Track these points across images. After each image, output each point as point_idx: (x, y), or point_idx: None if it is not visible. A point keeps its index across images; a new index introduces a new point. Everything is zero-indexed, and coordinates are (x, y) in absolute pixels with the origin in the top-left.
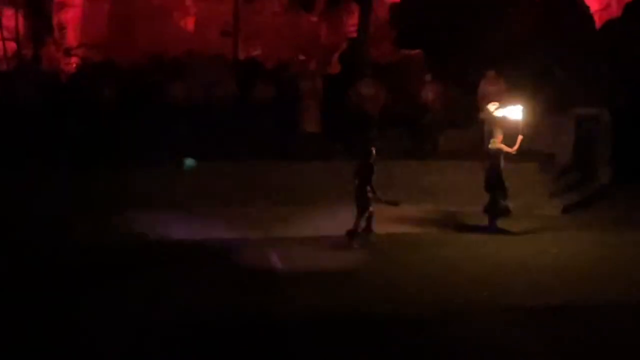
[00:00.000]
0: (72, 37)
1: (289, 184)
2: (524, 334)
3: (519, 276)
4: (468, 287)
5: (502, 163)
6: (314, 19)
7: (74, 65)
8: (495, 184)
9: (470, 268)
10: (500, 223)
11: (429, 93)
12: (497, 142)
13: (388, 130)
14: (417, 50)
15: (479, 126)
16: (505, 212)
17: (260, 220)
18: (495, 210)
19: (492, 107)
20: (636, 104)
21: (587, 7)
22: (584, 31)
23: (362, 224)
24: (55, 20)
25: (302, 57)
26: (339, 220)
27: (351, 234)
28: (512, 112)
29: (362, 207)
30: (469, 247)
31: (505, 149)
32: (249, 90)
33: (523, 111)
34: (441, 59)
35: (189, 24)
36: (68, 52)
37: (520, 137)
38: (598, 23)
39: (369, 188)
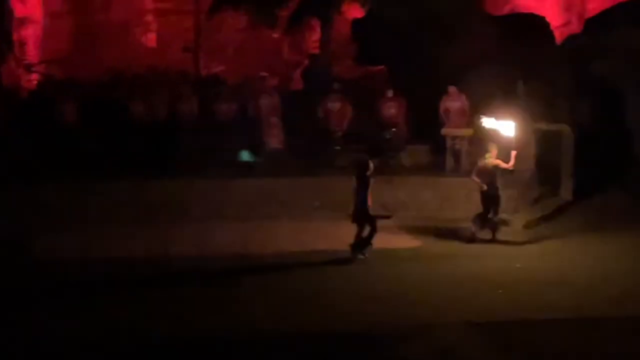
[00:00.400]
0: (32, 53)
1: (256, 200)
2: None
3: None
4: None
5: (499, 179)
6: (276, 35)
7: (35, 81)
8: (492, 199)
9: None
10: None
11: (391, 109)
12: (492, 158)
13: (352, 145)
14: (380, 66)
15: (441, 141)
16: (504, 224)
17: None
18: (482, 222)
19: (483, 120)
20: (596, 120)
21: (548, 24)
22: (545, 47)
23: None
24: (15, 36)
25: (264, 74)
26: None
27: (355, 246)
28: (504, 128)
29: (369, 221)
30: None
31: (503, 165)
32: (212, 106)
33: (515, 127)
34: (403, 75)
35: (151, 40)
36: (29, 69)
37: (514, 153)
38: (559, 39)
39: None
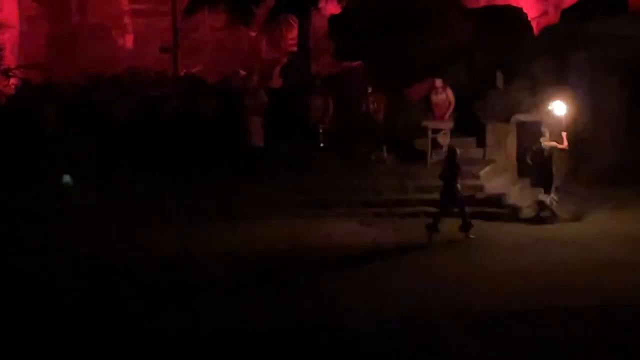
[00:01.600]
0: (10, 59)
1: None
2: None
3: None
4: None
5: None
6: (254, 33)
7: (13, 86)
8: (550, 179)
9: None
10: None
11: (371, 104)
12: (548, 140)
13: (335, 141)
14: (358, 62)
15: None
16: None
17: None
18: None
19: (553, 105)
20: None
21: (526, 14)
22: (523, 38)
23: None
24: None
25: (242, 72)
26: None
27: (464, 228)
28: (556, 108)
29: (459, 205)
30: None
31: (559, 146)
32: (193, 106)
33: (566, 107)
34: (381, 70)
35: (128, 41)
36: (7, 74)
37: (564, 133)
38: (536, 29)
39: (458, 187)
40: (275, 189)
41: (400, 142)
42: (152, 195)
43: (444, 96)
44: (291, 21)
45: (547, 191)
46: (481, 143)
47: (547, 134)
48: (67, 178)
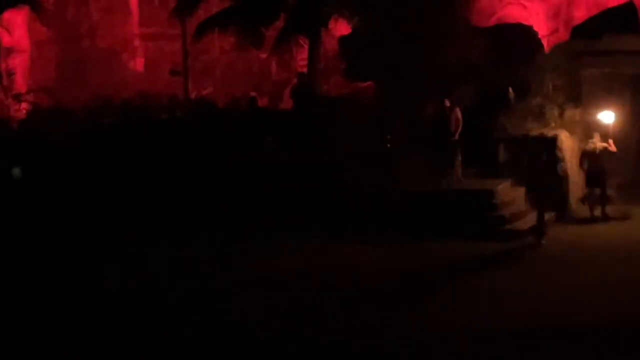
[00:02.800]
0: (21, 83)
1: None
2: None
3: None
4: None
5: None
6: (264, 55)
7: (24, 111)
8: (600, 178)
9: None
10: None
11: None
12: (598, 142)
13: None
14: (368, 82)
15: None
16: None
17: None
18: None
19: (601, 114)
20: None
21: (536, 32)
22: (534, 55)
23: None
24: (3, 67)
25: (253, 94)
26: None
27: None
28: (605, 117)
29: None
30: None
31: (610, 147)
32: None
33: (614, 116)
34: (392, 90)
35: (139, 64)
36: (18, 98)
37: (611, 140)
38: (547, 47)
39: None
40: None
41: None
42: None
43: (453, 116)
44: (301, 42)
45: (603, 190)
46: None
47: (597, 137)
48: (17, 171)
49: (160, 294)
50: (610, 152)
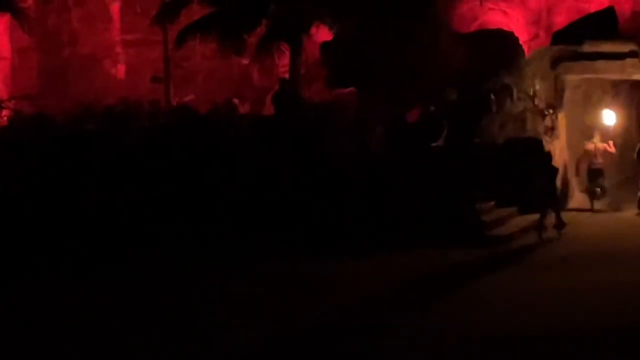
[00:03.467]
0: (2, 90)
1: None
2: None
3: None
4: None
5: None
6: (246, 61)
7: (6, 118)
8: (601, 176)
9: None
10: None
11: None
12: (599, 142)
13: None
14: (350, 89)
15: None
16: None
17: None
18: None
19: (605, 113)
20: None
21: (517, 38)
22: (515, 61)
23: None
24: None
25: (235, 100)
26: None
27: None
28: (606, 117)
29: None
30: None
31: (609, 148)
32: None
33: (615, 118)
34: (375, 96)
35: (120, 71)
36: None
37: (611, 141)
38: (528, 52)
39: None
40: None
41: None
42: None
43: (437, 121)
44: (283, 48)
45: (600, 186)
46: None
47: (598, 137)
48: None
49: None
50: (609, 152)
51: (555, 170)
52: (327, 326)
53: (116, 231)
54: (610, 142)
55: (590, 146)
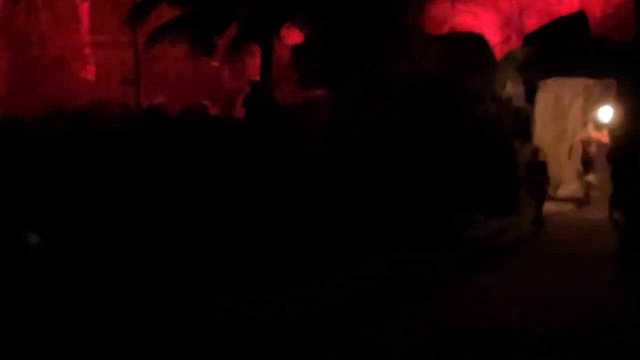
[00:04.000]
0: None
1: None
2: None
3: None
4: None
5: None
6: (216, 63)
7: None
8: (592, 166)
9: None
10: None
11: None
12: (593, 133)
13: None
14: (321, 91)
15: None
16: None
17: None
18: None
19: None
20: None
21: (488, 40)
22: (486, 63)
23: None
24: None
25: (205, 103)
26: None
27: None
28: (604, 112)
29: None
30: None
31: (602, 138)
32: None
33: (612, 112)
34: (348, 98)
35: (89, 73)
36: None
37: (605, 132)
38: (499, 55)
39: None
40: None
41: None
42: None
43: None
44: (254, 50)
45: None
46: None
47: (591, 127)
48: None
49: None
50: (603, 143)
51: (545, 165)
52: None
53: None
54: (605, 132)
55: (584, 136)
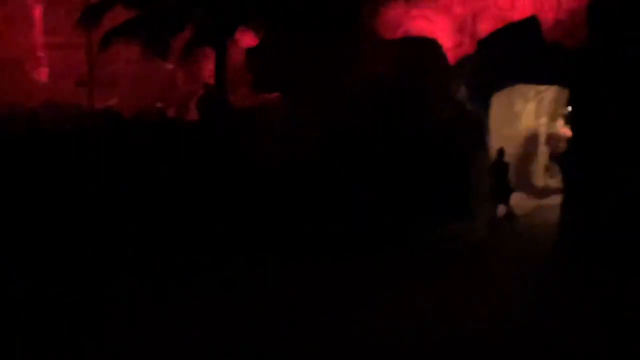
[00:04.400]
0: None
1: None
2: None
3: None
4: None
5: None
6: (171, 66)
7: None
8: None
9: None
10: None
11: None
12: (561, 128)
13: None
14: (276, 94)
15: None
16: None
17: None
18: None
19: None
20: None
21: (441, 45)
22: (440, 68)
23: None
24: None
25: (159, 105)
26: None
27: (509, 217)
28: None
29: (506, 198)
30: None
31: (568, 133)
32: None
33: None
34: (299, 101)
35: (43, 74)
36: None
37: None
38: (452, 59)
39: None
40: None
41: None
42: None
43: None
44: (208, 53)
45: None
46: None
47: (561, 123)
48: None
49: None
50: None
51: (507, 165)
52: None
53: None
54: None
55: (553, 131)
